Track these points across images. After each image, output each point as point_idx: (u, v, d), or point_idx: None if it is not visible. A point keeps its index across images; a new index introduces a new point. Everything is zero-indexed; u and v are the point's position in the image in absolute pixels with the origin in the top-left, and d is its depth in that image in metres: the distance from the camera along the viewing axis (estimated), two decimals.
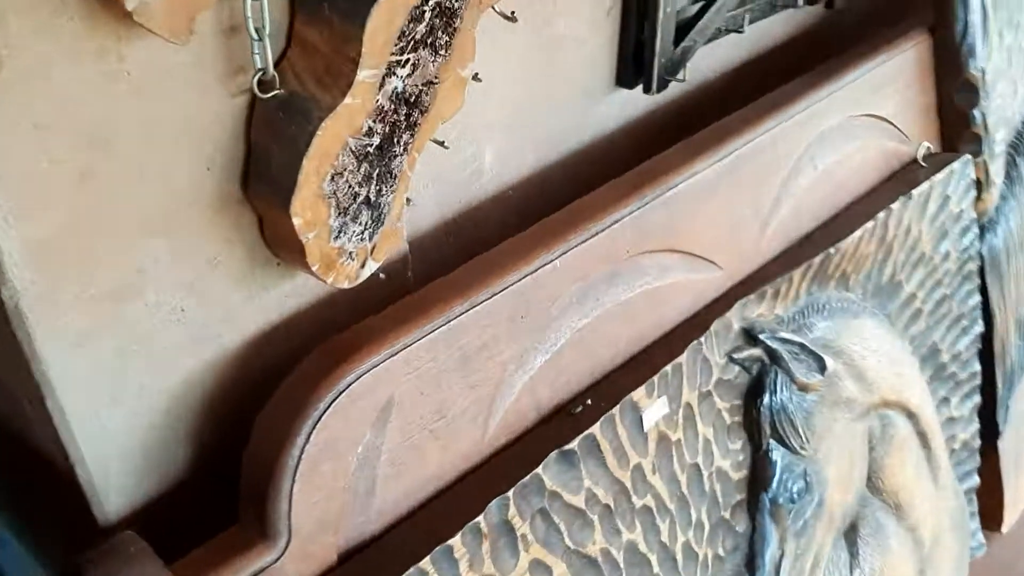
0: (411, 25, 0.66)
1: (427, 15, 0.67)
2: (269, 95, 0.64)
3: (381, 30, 0.64)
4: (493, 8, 0.77)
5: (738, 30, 1.07)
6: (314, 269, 0.69)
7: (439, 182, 0.88)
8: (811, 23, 1.27)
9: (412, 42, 0.67)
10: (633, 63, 0.99)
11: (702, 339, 0.91)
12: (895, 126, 1.19)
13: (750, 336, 0.97)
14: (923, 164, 1.20)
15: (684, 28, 1.01)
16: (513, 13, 0.79)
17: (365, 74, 0.65)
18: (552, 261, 0.82)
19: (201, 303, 0.70)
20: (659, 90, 1.00)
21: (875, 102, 1.16)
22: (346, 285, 0.73)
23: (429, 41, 0.68)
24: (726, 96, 1.15)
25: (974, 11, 1.19)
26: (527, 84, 0.92)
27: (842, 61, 1.13)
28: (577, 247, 0.84)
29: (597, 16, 0.96)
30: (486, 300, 0.77)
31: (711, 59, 1.14)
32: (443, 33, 0.69)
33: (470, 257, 0.83)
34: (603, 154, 1.05)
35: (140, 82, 0.60)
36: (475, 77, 0.78)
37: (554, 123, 0.98)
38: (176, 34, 0.56)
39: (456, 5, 0.69)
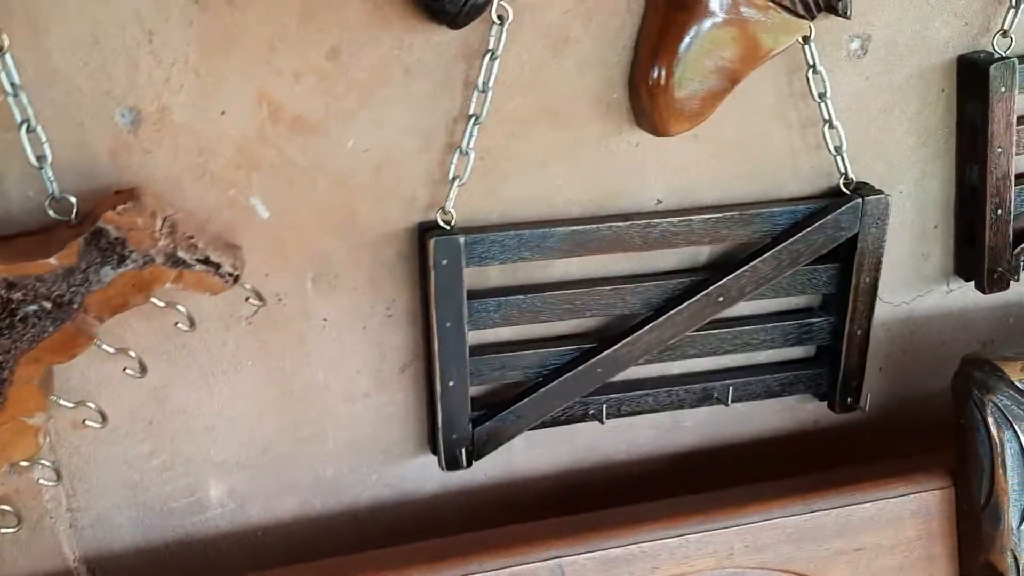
0: None
1: None
2: None
3: None
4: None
5: (599, 420, 0.86)
6: None
7: (139, 508, 0.84)
8: (793, 426, 0.97)
9: None
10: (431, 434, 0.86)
11: None
12: None
13: None
14: None
15: (492, 405, 0.85)
16: (253, 316, 0.78)
17: None
18: None
19: None
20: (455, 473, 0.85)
21: (817, 564, 0.84)
22: None
23: None
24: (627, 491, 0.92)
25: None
26: (278, 428, 0.84)
27: (750, 491, 0.85)
28: None
29: (385, 371, 0.85)
30: None
31: (615, 440, 0.93)
32: None
33: None
34: (415, 517, 0.91)
35: None
36: (85, 423, 0.75)
37: (329, 472, 0.88)
38: None
39: None
